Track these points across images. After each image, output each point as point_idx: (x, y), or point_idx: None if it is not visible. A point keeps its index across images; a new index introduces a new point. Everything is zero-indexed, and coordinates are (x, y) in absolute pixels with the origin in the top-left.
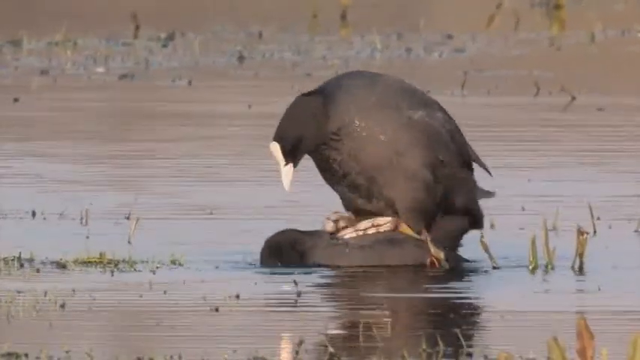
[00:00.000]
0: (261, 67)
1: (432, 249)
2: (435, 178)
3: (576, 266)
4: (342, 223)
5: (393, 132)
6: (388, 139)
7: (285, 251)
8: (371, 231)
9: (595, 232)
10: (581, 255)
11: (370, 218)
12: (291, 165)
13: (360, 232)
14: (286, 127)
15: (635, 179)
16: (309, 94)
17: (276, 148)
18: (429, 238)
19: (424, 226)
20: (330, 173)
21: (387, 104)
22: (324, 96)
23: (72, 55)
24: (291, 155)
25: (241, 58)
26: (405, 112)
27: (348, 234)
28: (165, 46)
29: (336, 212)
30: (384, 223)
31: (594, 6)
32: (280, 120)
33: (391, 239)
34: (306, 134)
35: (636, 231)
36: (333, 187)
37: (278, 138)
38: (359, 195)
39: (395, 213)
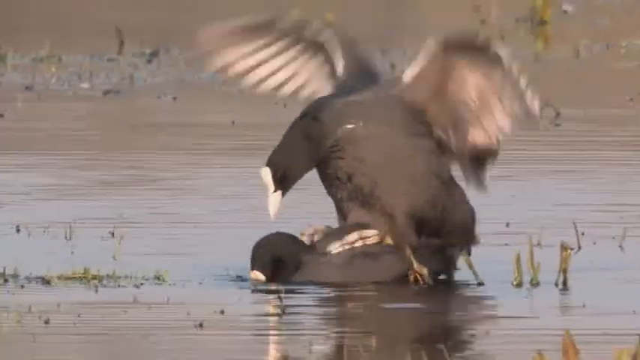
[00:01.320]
0: None
1: (415, 264)
2: (440, 185)
3: (560, 282)
4: (317, 237)
5: (388, 126)
6: (386, 134)
7: (284, 267)
8: (359, 244)
9: (580, 247)
10: (564, 271)
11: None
12: (279, 193)
13: (348, 246)
14: (279, 154)
15: (621, 192)
16: (302, 117)
17: (267, 174)
18: (411, 254)
19: (416, 239)
20: (337, 180)
21: (377, 102)
22: (314, 115)
23: (56, 71)
24: (281, 183)
25: None
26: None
27: (337, 248)
28: (149, 62)
29: (310, 225)
30: (372, 235)
31: (579, 21)
32: (276, 146)
33: (369, 254)
34: (299, 162)
35: (620, 246)
36: (334, 198)
37: (270, 163)
38: (358, 202)
39: (390, 223)
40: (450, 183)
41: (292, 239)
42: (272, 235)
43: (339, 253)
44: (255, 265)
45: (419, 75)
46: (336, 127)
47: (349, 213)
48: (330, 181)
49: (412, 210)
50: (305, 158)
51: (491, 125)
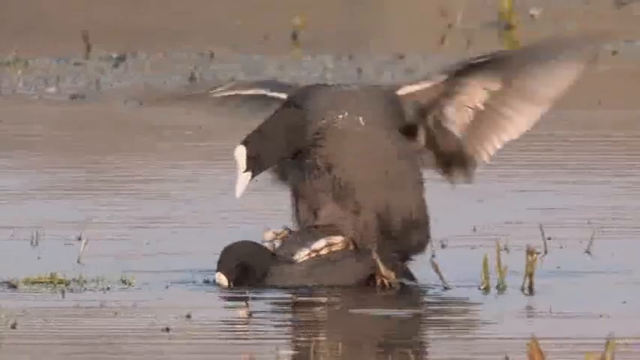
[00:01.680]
0: None
1: (382, 269)
2: (414, 193)
3: (526, 287)
4: (277, 243)
5: (375, 122)
6: (366, 128)
7: (250, 275)
8: (325, 251)
9: (546, 252)
10: (530, 275)
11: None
12: (249, 174)
13: (314, 254)
14: (257, 136)
15: (589, 195)
16: (285, 105)
17: (241, 152)
18: (378, 258)
19: (377, 242)
20: (315, 170)
21: (366, 96)
22: (297, 103)
23: (23, 75)
24: (253, 164)
25: (193, 79)
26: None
27: (304, 256)
28: (116, 66)
29: (268, 229)
30: (338, 242)
31: (546, 26)
32: (255, 128)
33: (332, 260)
34: (275, 148)
35: (587, 250)
36: (304, 191)
37: (246, 143)
38: (332, 195)
39: (356, 222)
40: (422, 194)
41: (259, 248)
42: (240, 242)
43: (303, 261)
44: (220, 268)
45: (414, 94)
46: (321, 115)
47: (321, 206)
48: (307, 172)
49: (381, 211)
50: (281, 146)
51: (487, 140)
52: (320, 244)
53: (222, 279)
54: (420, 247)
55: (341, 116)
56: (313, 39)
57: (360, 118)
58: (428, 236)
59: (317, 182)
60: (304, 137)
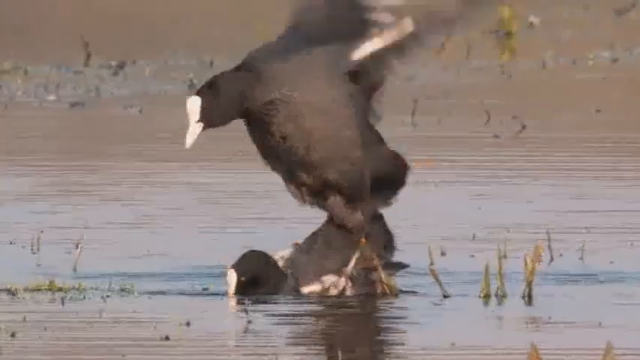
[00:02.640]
0: None
1: (383, 275)
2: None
3: (526, 294)
4: (281, 263)
5: (325, 99)
6: (321, 105)
7: (258, 287)
8: (334, 292)
9: (552, 258)
10: (530, 283)
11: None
12: (200, 125)
13: (321, 286)
14: (213, 91)
15: (588, 204)
16: (243, 67)
17: (194, 103)
18: (379, 265)
19: (363, 214)
20: (269, 136)
21: (317, 69)
22: (251, 68)
23: (22, 83)
24: (206, 115)
25: (192, 86)
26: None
27: (312, 291)
28: (116, 74)
29: (275, 252)
30: (342, 284)
31: (545, 34)
32: (211, 80)
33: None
34: (227, 107)
35: (581, 259)
36: (274, 162)
37: (200, 94)
38: (298, 162)
39: (332, 190)
40: (383, 149)
41: (273, 264)
42: (257, 252)
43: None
44: (235, 266)
45: (367, 56)
46: (274, 87)
47: (294, 170)
48: (264, 136)
49: (347, 176)
50: (233, 106)
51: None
52: (328, 282)
53: (232, 276)
54: (389, 201)
55: (293, 93)
56: None
57: (312, 97)
58: (397, 188)
59: (276, 149)
60: (255, 103)
